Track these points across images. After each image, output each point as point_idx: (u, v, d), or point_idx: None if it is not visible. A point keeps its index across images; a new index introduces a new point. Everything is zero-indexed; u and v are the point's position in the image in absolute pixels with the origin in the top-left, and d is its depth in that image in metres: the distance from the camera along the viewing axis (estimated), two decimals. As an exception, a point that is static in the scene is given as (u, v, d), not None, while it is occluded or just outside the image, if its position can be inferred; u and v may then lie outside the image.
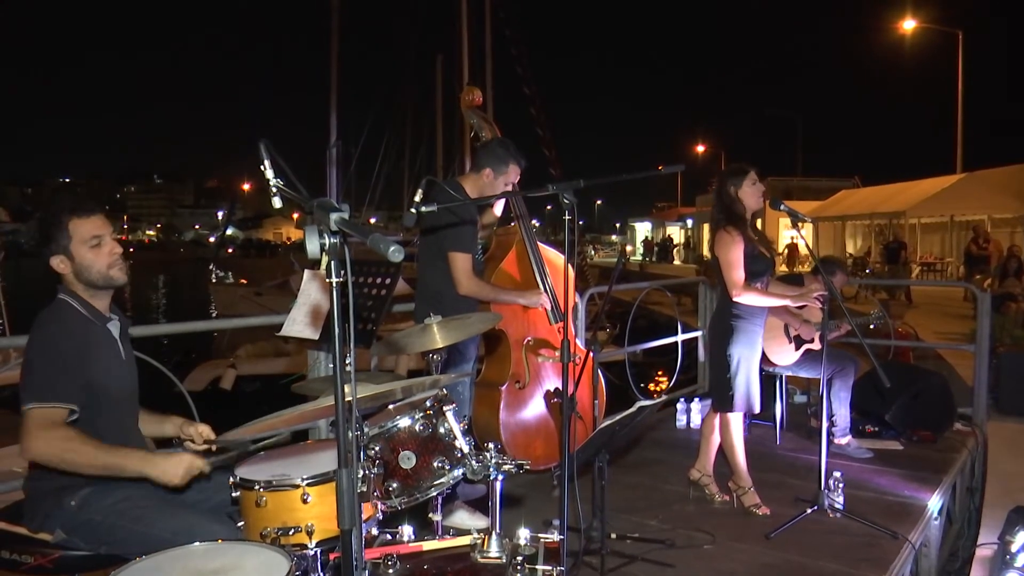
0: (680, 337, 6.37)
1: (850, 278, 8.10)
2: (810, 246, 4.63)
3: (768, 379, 4.62)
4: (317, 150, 19.21)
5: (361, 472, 1.78)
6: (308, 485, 1.98)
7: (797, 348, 4.59)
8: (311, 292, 3.25)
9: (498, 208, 3.87)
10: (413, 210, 2.50)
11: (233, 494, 2.07)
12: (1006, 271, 11.59)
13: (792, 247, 24.55)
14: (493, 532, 2.14)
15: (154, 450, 2.40)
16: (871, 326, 4.95)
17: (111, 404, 2.21)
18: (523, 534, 2.17)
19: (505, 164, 3.50)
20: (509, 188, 3.52)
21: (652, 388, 10.78)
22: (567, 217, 2.33)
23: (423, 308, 3.33)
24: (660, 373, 11.23)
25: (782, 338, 4.53)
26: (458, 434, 2.16)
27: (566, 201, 2.29)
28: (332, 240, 1.48)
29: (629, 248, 45.57)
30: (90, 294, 2.26)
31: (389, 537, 2.24)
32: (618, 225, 71.33)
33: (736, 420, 3.75)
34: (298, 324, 3.22)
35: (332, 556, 2.06)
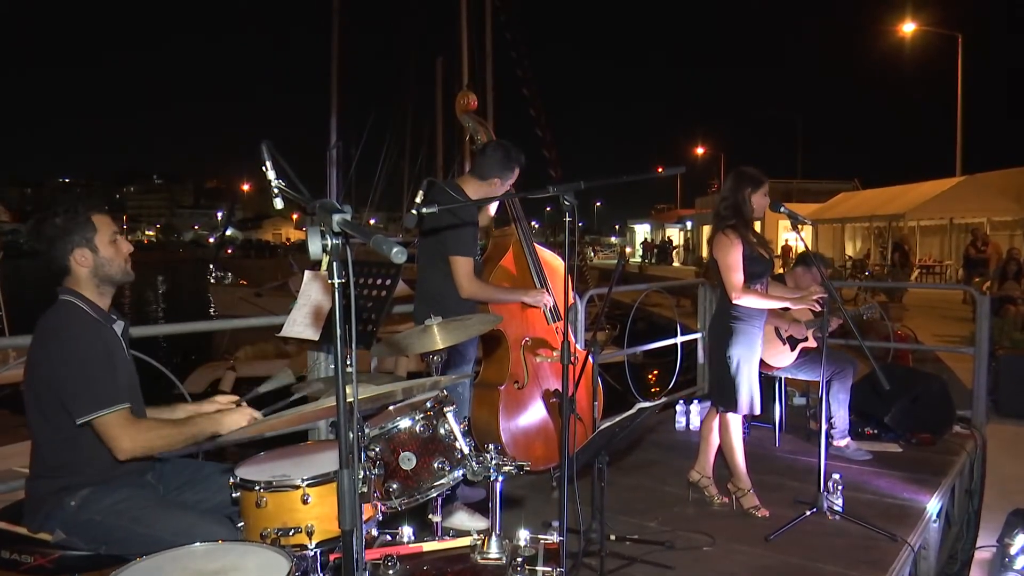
0: (679, 339, 6.37)
1: (848, 280, 8.09)
2: (809, 248, 4.63)
3: (767, 381, 4.62)
4: (318, 151, 19.23)
5: (361, 473, 1.79)
6: (308, 486, 1.98)
7: (793, 348, 4.59)
8: (311, 293, 3.25)
9: (492, 208, 3.88)
10: (414, 211, 2.51)
11: (233, 495, 2.07)
12: (1005, 274, 11.59)
13: (785, 248, 24.52)
14: (493, 533, 2.15)
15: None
16: (863, 317, 4.94)
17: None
18: (523, 535, 2.18)
19: (511, 171, 3.55)
20: (507, 189, 3.54)
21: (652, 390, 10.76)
22: (567, 219, 2.33)
23: (423, 309, 3.33)
24: (654, 380, 11.20)
25: (775, 342, 4.53)
26: (458, 435, 2.17)
27: (566, 203, 2.30)
28: (334, 241, 1.49)
29: (628, 250, 45.58)
30: (99, 292, 2.27)
31: (389, 538, 2.25)
32: (617, 227, 71.47)
33: (736, 422, 3.76)
34: (298, 325, 3.22)
35: (332, 557, 2.07)
